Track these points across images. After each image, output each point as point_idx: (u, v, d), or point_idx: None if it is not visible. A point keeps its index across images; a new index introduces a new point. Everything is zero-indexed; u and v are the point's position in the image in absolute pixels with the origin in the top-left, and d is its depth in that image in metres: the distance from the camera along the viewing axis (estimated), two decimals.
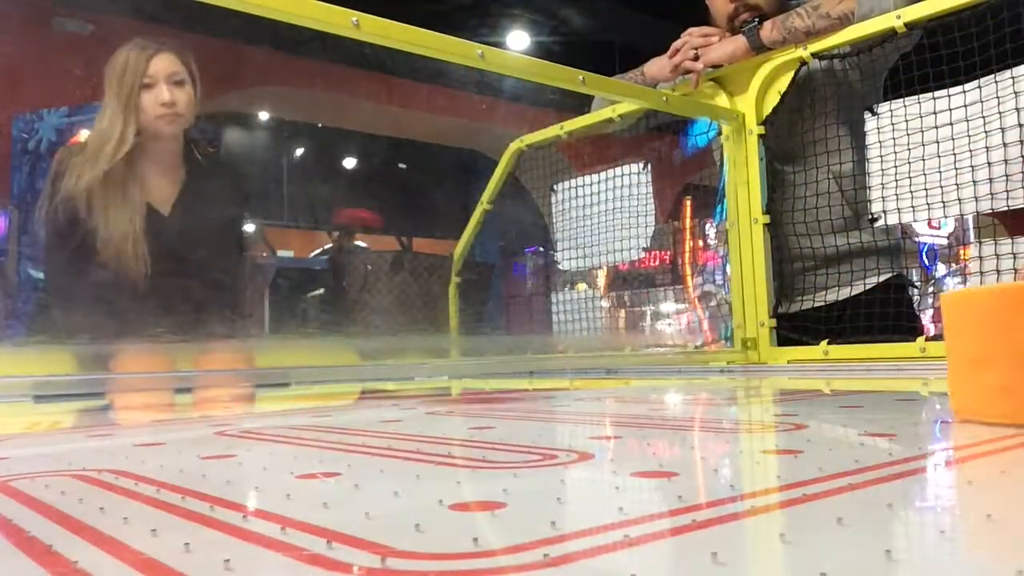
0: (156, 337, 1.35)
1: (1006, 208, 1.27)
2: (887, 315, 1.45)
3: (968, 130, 1.30)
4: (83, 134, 4.24)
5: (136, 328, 1.43)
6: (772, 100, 1.58)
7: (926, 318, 1.65)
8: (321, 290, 4.37)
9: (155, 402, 1.08)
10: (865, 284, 1.53)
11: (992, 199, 1.27)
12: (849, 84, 1.58)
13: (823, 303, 1.57)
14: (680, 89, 1.71)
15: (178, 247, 1.56)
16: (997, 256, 1.29)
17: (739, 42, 1.61)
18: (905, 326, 1.44)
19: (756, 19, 1.60)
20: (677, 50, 1.69)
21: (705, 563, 0.24)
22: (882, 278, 1.53)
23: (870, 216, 1.42)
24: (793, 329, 1.56)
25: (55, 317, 1.55)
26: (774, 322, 1.54)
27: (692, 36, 1.69)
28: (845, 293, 1.55)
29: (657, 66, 1.75)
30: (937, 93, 1.34)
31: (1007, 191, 1.25)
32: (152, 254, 1.51)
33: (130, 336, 1.38)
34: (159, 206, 1.58)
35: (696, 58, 1.66)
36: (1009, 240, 1.29)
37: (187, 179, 1.62)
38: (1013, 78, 1.25)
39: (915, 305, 1.62)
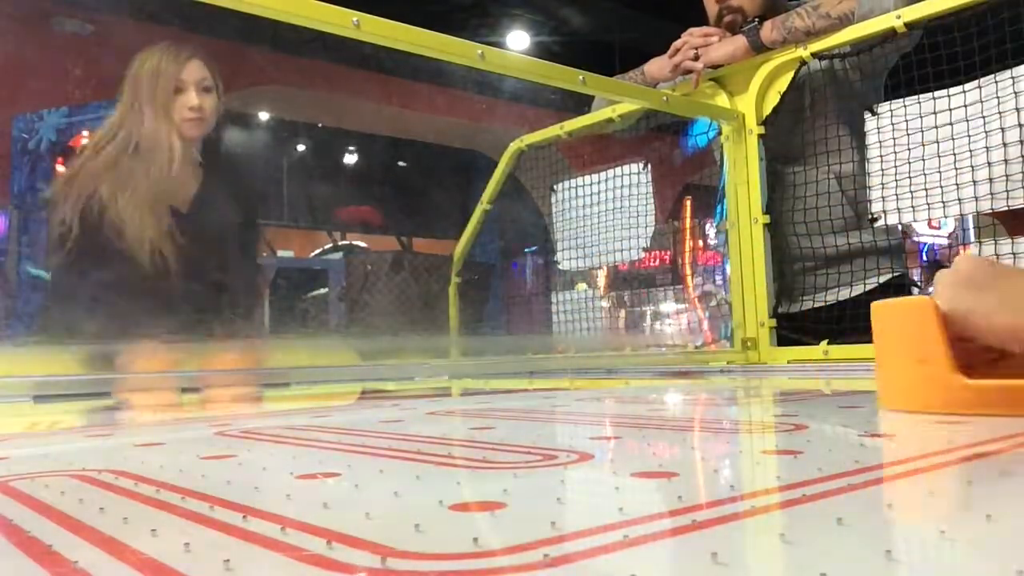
0: (173, 335, 1.36)
1: (1006, 208, 1.27)
2: None
3: (968, 130, 1.30)
4: (84, 134, 4.24)
5: (155, 326, 1.42)
6: (772, 100, 1.58)
7: None
8: (323, 290, 4.38)
9: (158, 402, 1.08)
10: (866, 285, 1.53)
11: (992, 199, 1.27)
12: (849, 84, 1.58)
13: (823, 303, 1.57)
14: (680, 89, 1.71)
15: (197, 245, 1.56)
16: (997, 256, 1.29)
17: (739, 42, 1.61)
18: None
19: (756, 19, 1.60)
20: (677, 50, 1.70)
21: (705, 563, 0.24)
22: (883, 279, 1.53)
23: (870, 216, 1.42)
24: (793, 329, 1.56)
25: (68, 316, 1.54)
26: (774, 322, 1.54)
27: (692, 36, 1.69)
28: (846, 294, 1.55)
29: (657, 66, 1.75)
30: (937, 93, 1.34)
31: (1007, 191, 1.25)
32: (173, 253, 1.51)
33: (147, 335, 1.38)
34: (179, 205, 1.58)
35: (696, 58, 1.66)
36: (1009, 240, 1.29)
37: (204, 178, 1.63)
38: (1013, 78, 1.25)
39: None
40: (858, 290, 1.53)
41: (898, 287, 1.53)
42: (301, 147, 7.16)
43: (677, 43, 1.70)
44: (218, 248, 1.62)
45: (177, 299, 1.52)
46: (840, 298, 1.54)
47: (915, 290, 1.66)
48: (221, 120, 1.66)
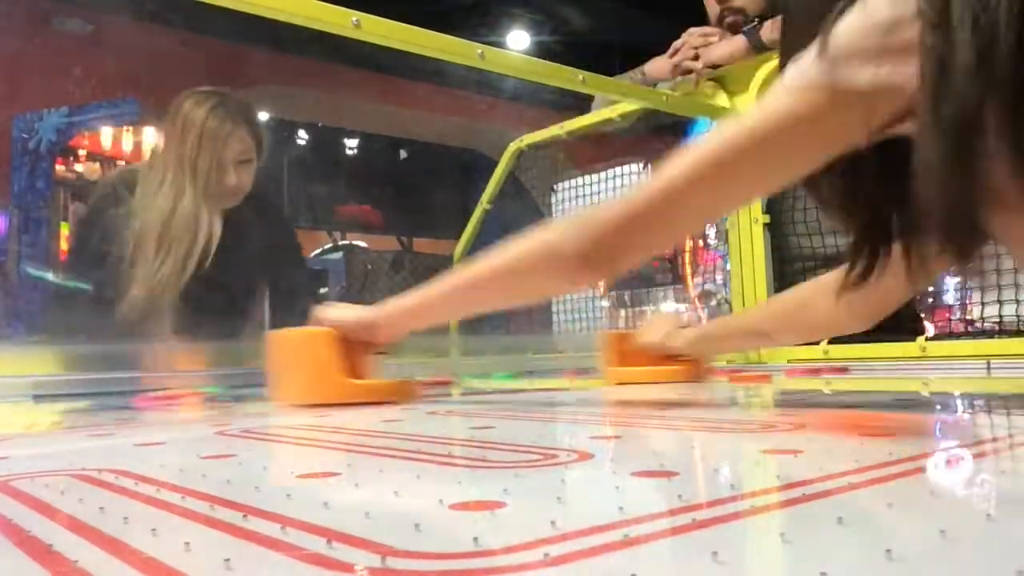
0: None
1: None
2: (887, 315, 1.45)
3: None
4: (84, 134, 4.24)
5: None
6: None
7: (926, 318, 1.65)
8: (323, 289, 4.37)
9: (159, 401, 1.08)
10: None
11: None
12: None
13: None
14: (680, 89, 1.71)
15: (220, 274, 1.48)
16: (997, 255, 1.29)
17: (739, 42, 1.61)
18: (907, 326, 1.44)
19: (756, 19, 1.60)
20: (677, 50, 1.70)
21: (705, 562, 0.24)
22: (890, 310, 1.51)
23: None
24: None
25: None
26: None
27: (692, 36, 1.69)
28: None
29: (657, 66, 1.75)
30: None
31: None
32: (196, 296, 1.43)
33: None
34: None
35: (696, 58, 1.66)
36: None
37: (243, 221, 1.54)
38: None
39: (916, 305, 1.62)
40: None
41: None
42: (301, 147, 7.17)
43: (677, 43, 1.70)
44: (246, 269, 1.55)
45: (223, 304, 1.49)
46: None
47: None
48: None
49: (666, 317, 0.97)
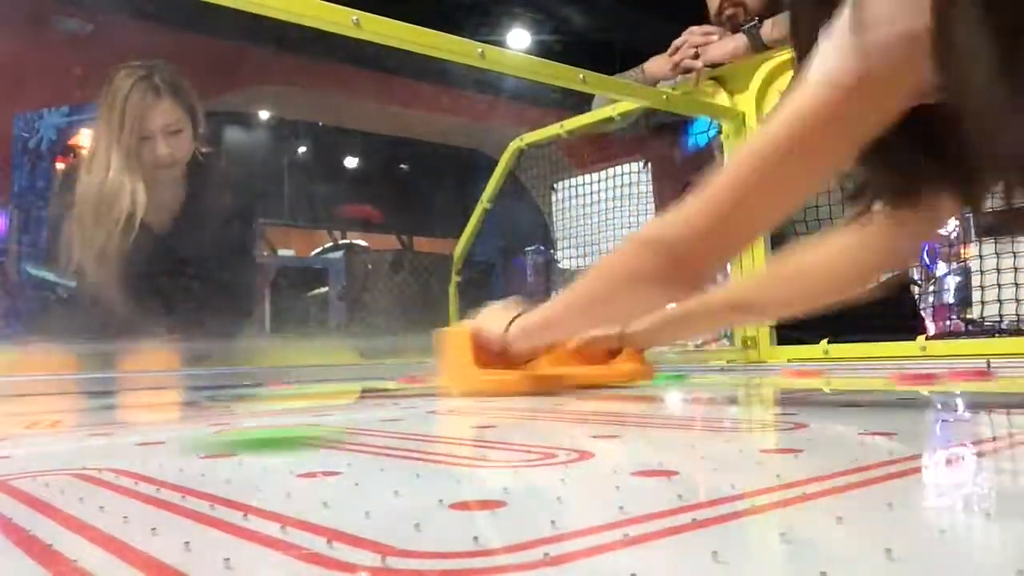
0: (170, 335, 1.35)
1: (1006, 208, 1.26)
2: (888, 314, 1.45)
3: None
4: (84, 133, 4.24)
5: (152, 328, 1.42)
6: (772, 99, 1.58)
7: (927, 317, 1.65)
8: (323, 289, 4.37)
9: (160, 402, 1.08)
10: None
11: (992, 199, 1.27)
12: None
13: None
14: (680, 88, 1.71)
15: (173, 262, 1.54)
16: (997, 255, 1.30)
17: (739, 41, 1.61)
18: (907, 324, 1.44)
19: (756, 18, 1.60)
20: (677, 48, 1.70)
21: (705, 562, 0.24)
22: (883, 277, 1.52)
23: None
24: (793, 328, 1.56)
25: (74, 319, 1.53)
26: (774, 321, 1.54)
27: (692, 35, 1.69)
28: None
29: (657, 64, 1.75)
30: None
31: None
32: (142, 271, 1.49)
33: (145, 335, 1.38)
34: (154, 225, 1.55)
35: (696, 56, 1.66)
36: (1009, 239, 1.29)
37: (187, 197, 1.59)
38: None
39: (917, 304, 1.62)
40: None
41: (899, 286, 1.53)
42: (301, 147, 7.16)
43: (677, 42, 1.70)
44: (201, 259, 1.59)
45: (171, 302, 1.51)
46: None
47: (915, 288, 1.65)
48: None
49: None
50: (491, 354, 0.95)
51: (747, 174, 0.63)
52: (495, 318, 0.95)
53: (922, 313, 1.64)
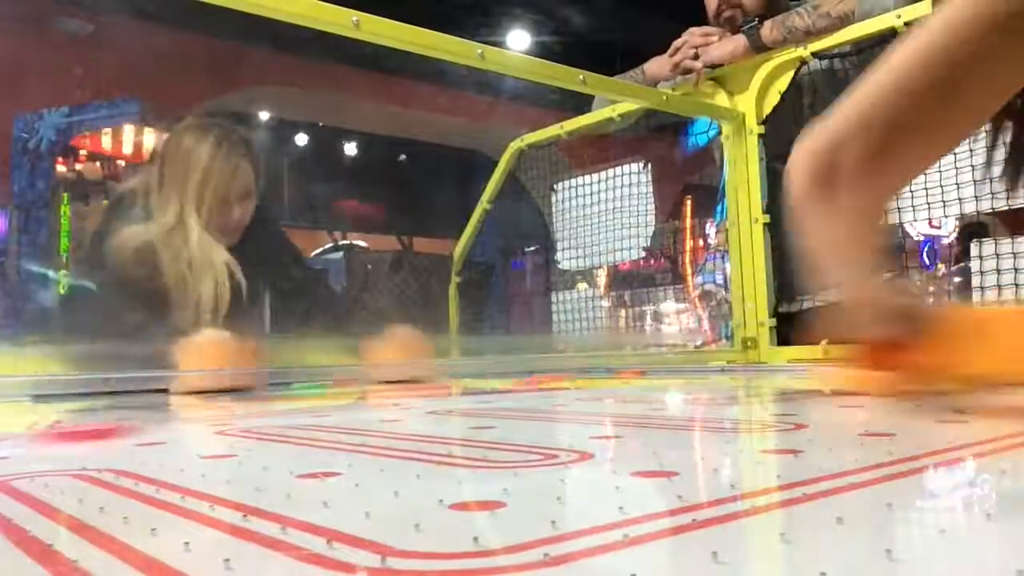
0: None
1: (1006, 208, 1.27)
2: None
3: None
4: (83, 133, 4.24)
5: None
6: (772, 100, 1.58)
7: None
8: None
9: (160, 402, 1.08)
10: None
11: (992, 199, 1.27)
12: (850, 83, 1.58)
13: (824, 303, 1.57)
14: (681, 89, 1.71)
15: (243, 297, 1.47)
16: (997, 256, 1.30)
17: (739, 41, 1.61)
18: None
19: (756, 19, 1.60)
20: (677, 49, 1.70)
21: (706, 562, 0.24)
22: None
23: None
24: (793, 328, 1.56)
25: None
26: (774, 321, 1.54)
27: (692, 35, 1.69)
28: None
29: (657, 65, 1.75)
30: None
31: (1007, 191, 1.25)
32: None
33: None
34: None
35: (696, 57, 1.66)
36: (1009, 240, 1.29)
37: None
38: None
39: None
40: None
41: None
42: (301, 147, 7.17)
43: (677, 42, 1.70)
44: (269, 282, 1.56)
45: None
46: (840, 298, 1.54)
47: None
48: (220, 120, 1.58)
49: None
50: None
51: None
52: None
53: None
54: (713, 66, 1.66)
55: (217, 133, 1.45)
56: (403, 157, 7.24)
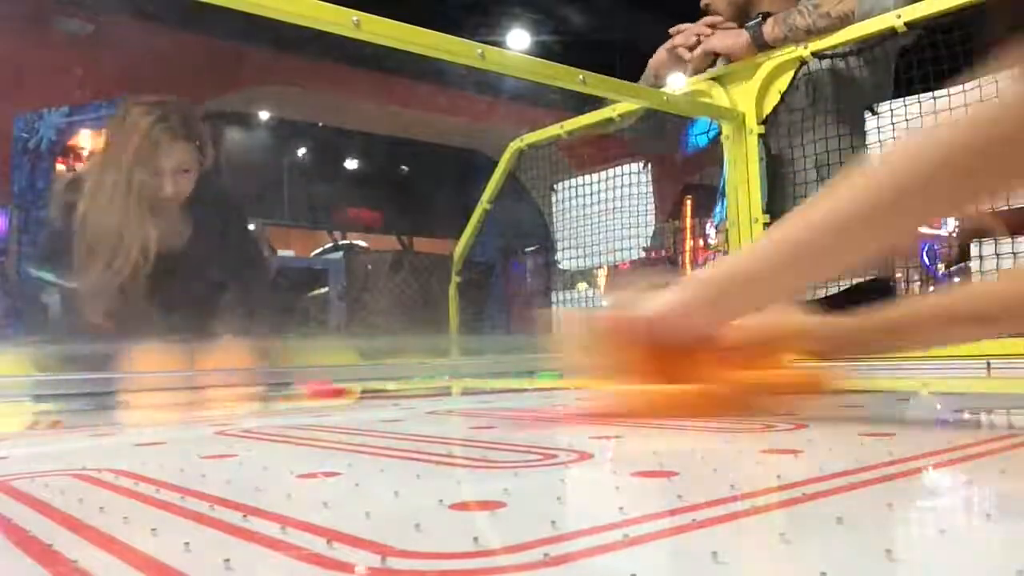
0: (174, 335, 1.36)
1: (1006, 208, 1.26)
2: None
3: None
4: (83, 134, 4.24)
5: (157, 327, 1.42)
6: (772, 99, 1.58)
7: None
8: (323, 289, 4.37)
9: (160, 402, 1.08)
10: (840, 286, 1.50)
11: (992, 199, 1.27)
12: (850, 83, 1.58)
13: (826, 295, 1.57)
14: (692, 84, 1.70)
15: (185, 278, 1.53)
16: (997, 256, 1.29)
17: (743, 36, 1.61)
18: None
19: (760, 15, 1.61)
20: (680, 32, 1.70)
21: (705, 562, 0.24)
22: (856, 281, 1.49)
23: None
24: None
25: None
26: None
27: (697, 24, 1.70)
28: (834, 291, 1.53)
29: (657, 56, 1.76)
30: (937, 92, 1.34)
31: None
32: (157, 289, 1.48)
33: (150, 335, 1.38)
34: (164, 250, 1.53)
35: (697, 44, 1.66)
36: (1009, 240, 1.29)
37: (194, 223, 1.59)
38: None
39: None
40: (845, 287, 1.51)
41: (871, 290, 1.50)
42: (301, 147, 7.16)
43: (680, 26, 1.70)
44: (207, 264, 1.58)
45: (179, 303, 1.51)
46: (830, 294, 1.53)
47: (891, 294, 1.64)
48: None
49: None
50: (655, 351, 0.67)
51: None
52: (646, 299, 0.68)
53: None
54: (713, 63, 1.66)
55: (159, 111, 1.51)
56: (404, 167, 7.24)
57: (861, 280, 1.51)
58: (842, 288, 1.51)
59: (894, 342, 0.84)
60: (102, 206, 1.47)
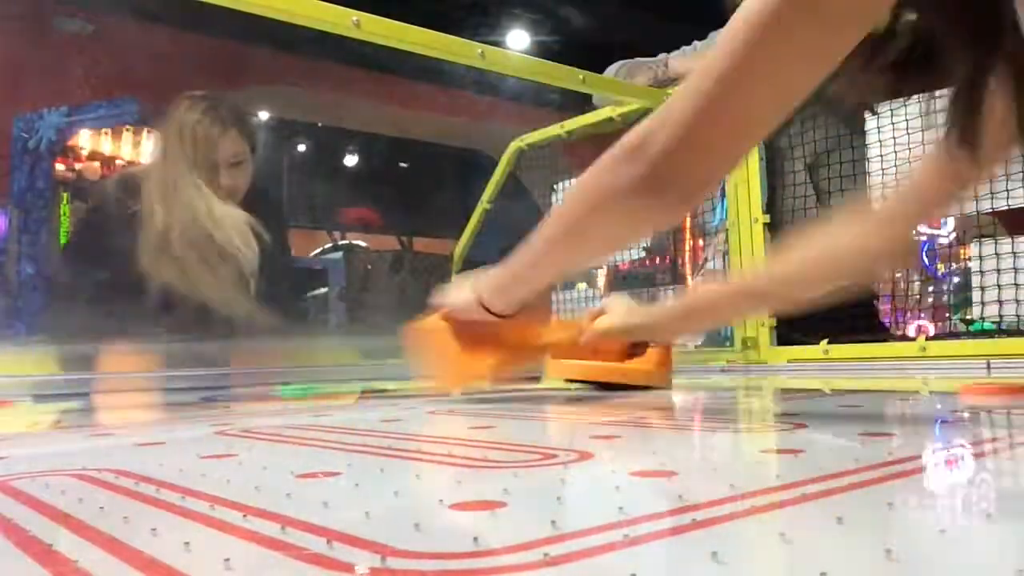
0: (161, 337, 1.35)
1: (1006, 208, 1.27)
2: (856, 316, 1.46)
3: None
4: (83, 134, 4.24)
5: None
6: None
7: (924, 317, 1.65)
8: (323, 289, 4.37)
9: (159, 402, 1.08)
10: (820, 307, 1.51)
11: (992, 199, 1.27)
12: (849, 83, 1.58)
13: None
14: None
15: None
16: (997, 256, 1.30)
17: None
18: (862, 325, 1.44)
19: None
20: None
21: (705, 562, 0.24)
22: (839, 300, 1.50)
23: None
24: (792, 328, 1.55)
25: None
26: (774, 321, 1.54)
27: None
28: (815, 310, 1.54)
29: (683, 64, 1.74)
30: (937, 92, 1.34)
31: (1007, 190, 1.25)
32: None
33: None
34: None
35: None
36: (1009, 240, 1.29)
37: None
38: None
39: (878, 311, 1.63)
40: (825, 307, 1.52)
41: (867, 293, 1.50)
42: (301, 147, 7.16)
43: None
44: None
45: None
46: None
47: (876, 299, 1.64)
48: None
49: (623, 300, 0.93)
50: (479, 334, 0.84)
51: (726, 64, 0.53)
52: (460, 289, 0.85)
53: (888, 317, 1.63)
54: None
55: (206, 103, 1.52)
56: (403, 167, 7.24)
57: (842, 300, 1.51)
58: (823, 308, 1.51)
59: (691, 323, 1.03)
60: (183, 202, 1.46)
